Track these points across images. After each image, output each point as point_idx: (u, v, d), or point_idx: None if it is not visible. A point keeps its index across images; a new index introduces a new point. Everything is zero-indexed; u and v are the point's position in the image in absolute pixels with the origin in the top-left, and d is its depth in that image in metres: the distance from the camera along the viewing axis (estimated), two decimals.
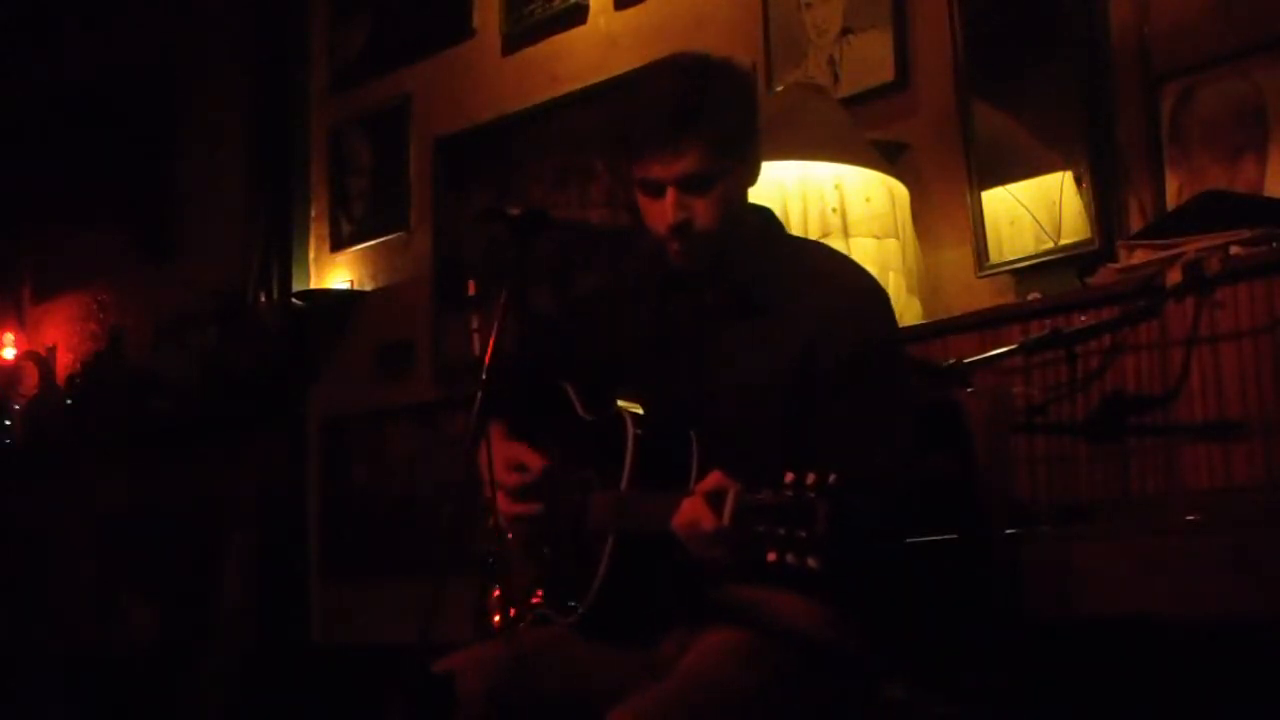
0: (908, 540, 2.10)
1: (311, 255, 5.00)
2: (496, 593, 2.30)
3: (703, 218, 2.04)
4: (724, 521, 1.75)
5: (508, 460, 2.23)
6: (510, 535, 2.26)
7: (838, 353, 2.01)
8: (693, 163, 2.01)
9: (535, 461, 2.21)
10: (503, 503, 2.22)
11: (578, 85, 4.19)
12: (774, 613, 1.99)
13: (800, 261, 2.15)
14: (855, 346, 2.02)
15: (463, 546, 2.19)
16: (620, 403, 2.12)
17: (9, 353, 6.06)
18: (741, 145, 2.07)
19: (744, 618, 1.99)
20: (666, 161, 2.01)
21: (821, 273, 2.12)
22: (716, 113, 2.01)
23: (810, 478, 1.68)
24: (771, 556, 1.69)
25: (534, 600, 2.21)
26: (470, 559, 2.31)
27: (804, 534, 1.67)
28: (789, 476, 1.70)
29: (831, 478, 1.67)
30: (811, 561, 1.67)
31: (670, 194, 2.03)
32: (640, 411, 2.11)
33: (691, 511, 1.82)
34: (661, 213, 2.05)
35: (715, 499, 1.78)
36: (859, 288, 2.11)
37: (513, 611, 2.23)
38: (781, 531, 1.68)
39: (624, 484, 2.04)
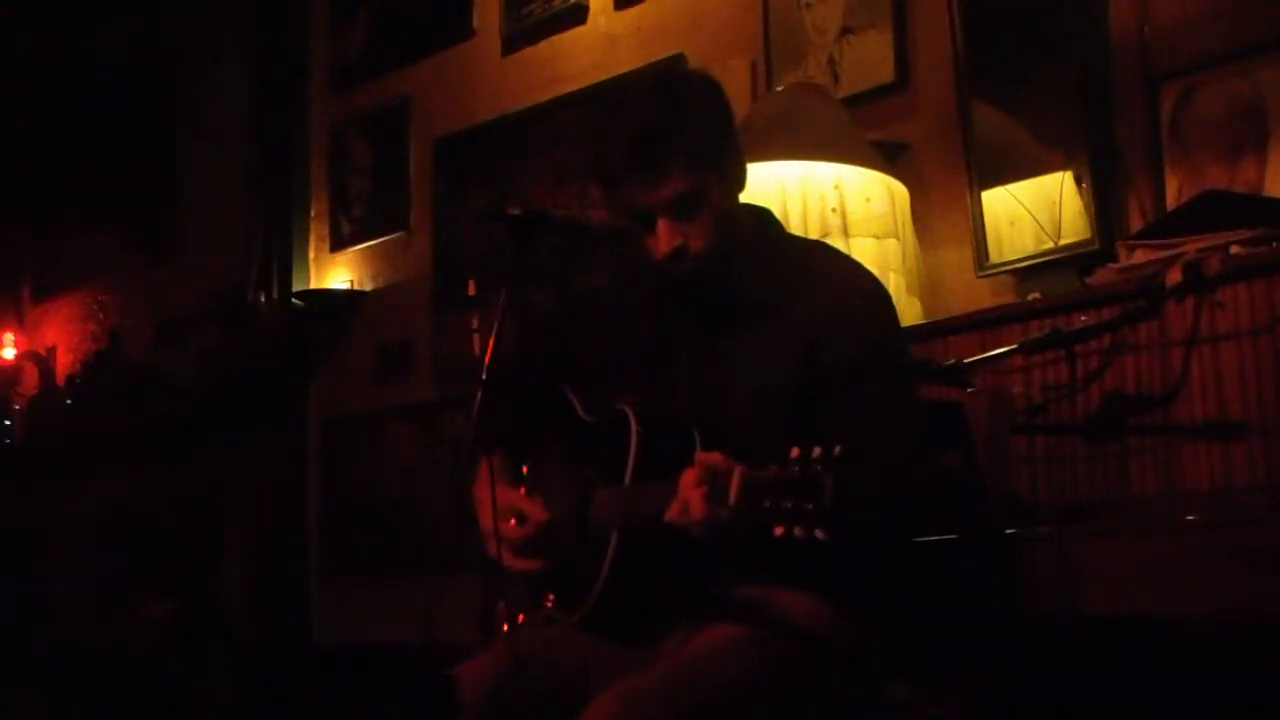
0: (912, 539, 2.10)
1: (311, 255, 5.00)
2: (501, 603, 2.29)
3: (697, 238, 2.02)
4: (730, 501, 1.75)
5: (506, 504, 2.18)
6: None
7: (841, 354, 2.01)
8: (676, 187, 1.98)
9: (536, 513, 2.17)
10: (505, 552, 2.17)
11: (578, 85, 4.19)
12: (777, 610, 1.99)
13: (800, 262, 2.14)
14: (858, 348, 2.01)
15: (462, 546, 2.18)
16: (618, 404, 2.12)
17: (9, 353, 6.05)
18: (722, 156, 2.05)
19: (746, 614, 1.99)
20: (650, 190, 1.99)
21: (822, 274, 2.11)
22: (691, 132, 1.99)
23: (816, 451, 1.68)
24: (779, 531, 1.69)
25: (537, 602, 2.21)
26: (470, 559, 2.31)
27: (811, 506, 1.67)
28: (794, 452, 1.70)
29: (837, 450, 1.67)
30: (819, 533, 1.66)
31: (661, 223, 2.01)
32: (641, 411, 2.10)
33: (682, 496, 1.81)
34: (655, 241, 2.04)
35: (720, 479, 1.77)
36: (861, 289, 2.10)
37: (520, 617, 2.23)
38: (788, 505, 1.68)
39: (627, 479, 2.04)
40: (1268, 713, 2.19)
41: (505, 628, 2.25)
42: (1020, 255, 3.14)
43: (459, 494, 2.18)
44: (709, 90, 2.10)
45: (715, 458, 1.80)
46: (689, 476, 1.82)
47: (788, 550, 1.71)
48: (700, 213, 2.01)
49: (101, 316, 5.82)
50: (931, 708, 2.11)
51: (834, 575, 1.98)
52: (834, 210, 3.04)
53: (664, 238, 2.02)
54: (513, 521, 2.18)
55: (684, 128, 1.99)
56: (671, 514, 1.84)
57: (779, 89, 3.50)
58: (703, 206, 2.01)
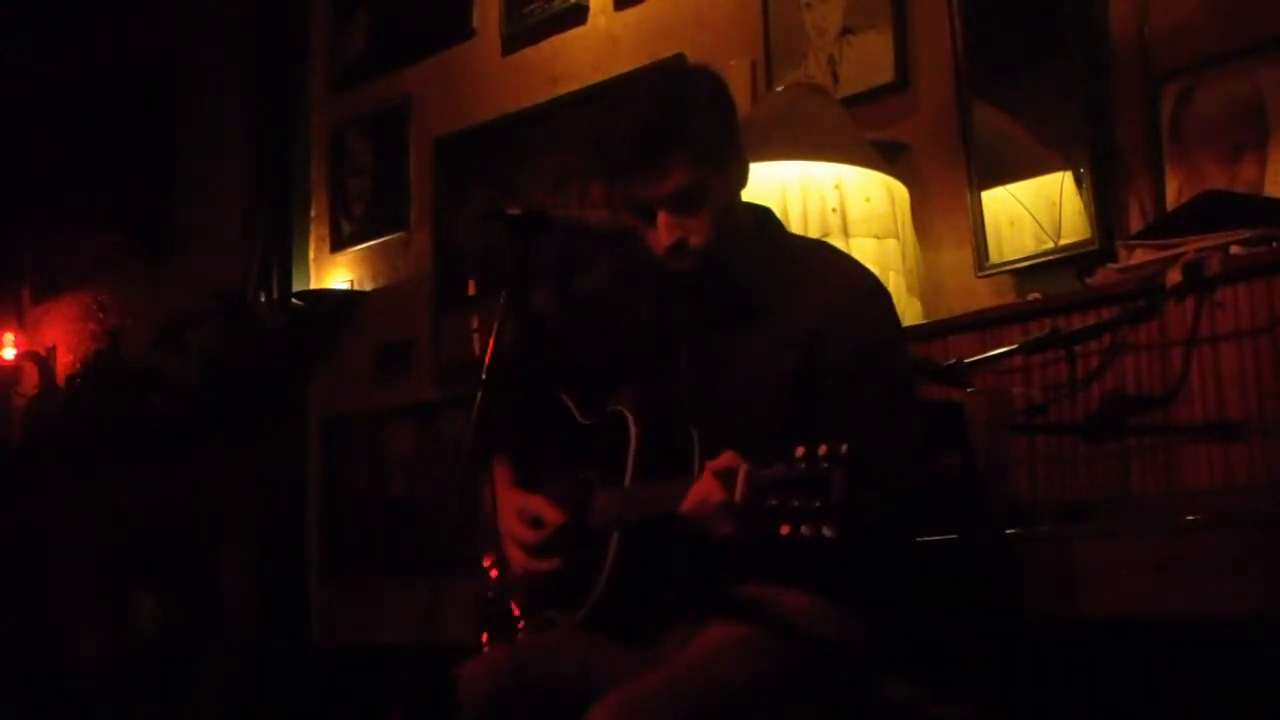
0: (913, 539, 2.10)
1: (311, 255, 5.00)
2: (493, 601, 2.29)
3: (697, 234, 2.02)
4: (735, 498, 1.75)
5: (522, 512, 2.17)
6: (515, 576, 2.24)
7: (840, 353, 2.01)
8: (678, 181, 1.99)
9: (553, 515, 2.14)
10: (517, 556, 2.17)
11: (578, 85, 4.19)
12: (778, 610, 1.99)
13: (801, 261, 2.14)
14: (858, 346, 2.01)
15: (462, 547, 2.18)
16: (615, 405, 2.12)
17: (9, 353, 6.05)
18: (725, 152, 2.05)
19: (747, 614, 1.99)
20: (651, 184, 1.99)
21: (823, 273, 2.12)
22: (694, 126, 1.99)
23: (822, 449, 1.68)
24: (785, 529, 1.68)
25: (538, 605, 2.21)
26: (469, 560, 2.31)
27: (819, 504, 1.66)
28: (800, 450, 1.69)
29: (844, 448, 1.67)
30: (827, 530, 1.66)
31: (662, 217, 2.02)
32: (639, 412, 2.10)
33: (701, 491, 1.82)
34: (655, 235, 2.04)
35: (726, 476, 1.77)
36: (861, 288, 2.10)
37: (518, 620, 2.23)
38: (795, 503, 1.68)
39: (628, 479, 2.04)
40: (1268, 712, 2.19)
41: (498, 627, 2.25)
42: (1020, 255, 3.14)
43: (461, 495, 2.17)
44: (713, 85, 2.10)
45: (724, 460, 1.80)
46: (703, 478, 1.82)
47: (794, 549, 1.71)
48: (701, 208, 2.02)
49: (101, 316, 5.82)
50: (931, 708, 2.11)
51: (838, 575, 1.98)
52: (834, 210, 3.04)
53: (664, 231, 2.02)
54: (529, 528, 2.16)
55: (687, 122, 1.99)
56: (686, 507, 1.84)
57: (779, 89, 3.50)
58: (703, 201, 2.02)
